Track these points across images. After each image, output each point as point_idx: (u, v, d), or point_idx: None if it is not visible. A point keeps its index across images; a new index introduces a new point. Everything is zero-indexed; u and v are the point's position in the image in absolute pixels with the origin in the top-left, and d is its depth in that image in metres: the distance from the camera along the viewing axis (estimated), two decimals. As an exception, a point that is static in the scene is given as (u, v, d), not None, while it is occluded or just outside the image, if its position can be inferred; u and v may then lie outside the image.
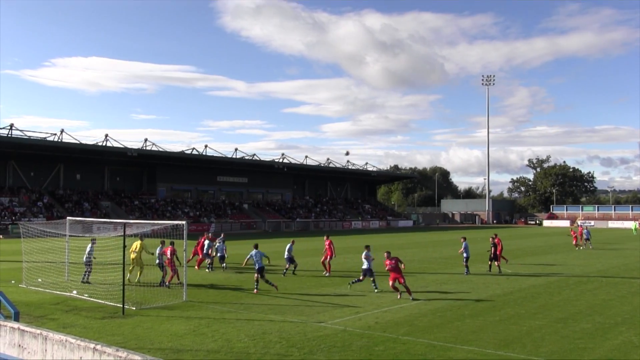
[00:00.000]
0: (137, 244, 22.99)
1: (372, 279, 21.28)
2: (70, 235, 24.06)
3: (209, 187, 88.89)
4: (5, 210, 60.91)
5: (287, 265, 26.62)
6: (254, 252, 21.60)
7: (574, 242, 46.85)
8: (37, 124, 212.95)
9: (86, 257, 23.12)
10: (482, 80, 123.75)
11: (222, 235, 30.23)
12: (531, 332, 14.52)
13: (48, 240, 24.72)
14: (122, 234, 18.28)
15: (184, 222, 19.85)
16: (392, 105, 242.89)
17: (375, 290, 20.88)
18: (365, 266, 21.31)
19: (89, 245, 23.39)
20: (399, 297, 19.49)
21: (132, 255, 22.64)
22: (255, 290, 20.82)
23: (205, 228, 70.93)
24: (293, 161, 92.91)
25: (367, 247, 21.94)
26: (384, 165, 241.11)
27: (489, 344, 13.13)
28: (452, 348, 12.78)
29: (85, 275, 22.91)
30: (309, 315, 16.45)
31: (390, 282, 19.72)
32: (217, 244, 28.44)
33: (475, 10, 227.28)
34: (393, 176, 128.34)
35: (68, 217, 24.57)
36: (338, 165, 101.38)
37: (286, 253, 26.76)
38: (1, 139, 60.53)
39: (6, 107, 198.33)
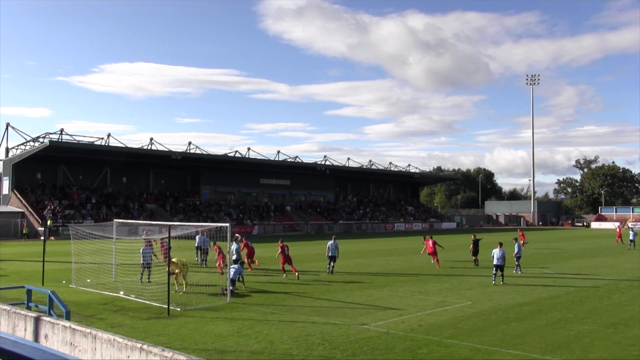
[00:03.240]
0: (179, 260, 23.16)
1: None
2: (117, 238, 24.60)
3: (252, 189, 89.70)
4: (56, 212, 62.62)
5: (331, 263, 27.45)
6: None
7: (616, 240, 46.91)
8: (85, 128, 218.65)
9: (143, 258, 23.58)
10: (527, 79, 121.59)
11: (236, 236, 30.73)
12: (580, 337, 14.11)
13: (96, 242, 25.32)
14: (167, 235, 18.58)
15: (227, 225, 20.03)
16: (436, 106, 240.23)
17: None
18: (496, 262, 23.89)
19: (144, 247, 23.85)
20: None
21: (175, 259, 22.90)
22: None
23: (249, 230, 71.68)
24: (335, 163, 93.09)
25: (500, 244, 24.56)
26: (427, 166, 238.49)
27: (535, 349, 12.83)
28: (497, 352, 12.54)
29: (148, 275, 23.46)
30: (352, 318, 16.40)
31: None
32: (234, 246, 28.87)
33: (521, 9, 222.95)
34: (436, 178, 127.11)
35: (115, 220, 25.11)
36: (381, 167, 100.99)
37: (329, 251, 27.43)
38: (52, 144, 62.43)
39: (57, 113, 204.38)
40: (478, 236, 33.01)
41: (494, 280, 23.84)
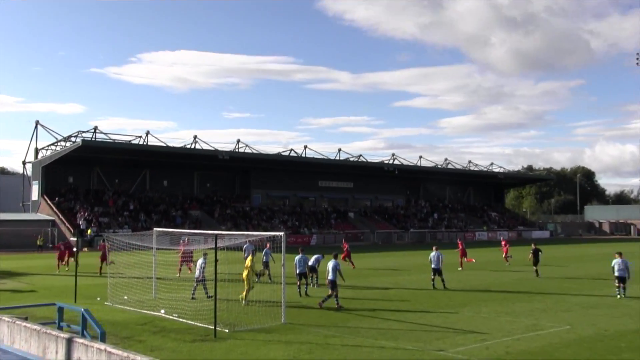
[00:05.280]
0: (248, 260, 23.46)
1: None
2: (157, 249, 25.08)
3: (310, 193, 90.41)
4: (89, 220, 64.52)
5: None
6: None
7: None
8: (121, 126, 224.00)
9: (199, 273, 24.11)
10: (638, 58, 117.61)
11: (267, 245, 31.33)
12: None
13: (134, 254, 25.88)
14: (214, 246, 18.78)
15: (281, 234, 20.10)
16: (523, 94, 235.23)
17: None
18: (618, 273, 24.85)
19: (201, 259, 24.33)
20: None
21: (245, 273, 23.19)
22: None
23: (306, 240, 72.08)
24: (405, 162, 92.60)
25: (619, 253, 25.24)
26: (514, 165, 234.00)
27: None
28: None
29: (205, 290, 24.01)
30: (426, 342, 16.20)
31: None
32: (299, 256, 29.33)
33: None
34: (524, 178, 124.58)
35: (155, 229, 25.58)
36: (458, 167, 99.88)
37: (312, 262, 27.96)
38: (85, 144, 64.17)
39: (91, 109, 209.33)
40: (538, 246, 35.21)
41: (618, 293, 24.98)
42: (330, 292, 22.55)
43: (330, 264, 23.03)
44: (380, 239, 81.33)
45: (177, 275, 31.02)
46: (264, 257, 30.40)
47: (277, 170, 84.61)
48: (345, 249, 39.10)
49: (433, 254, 28.85)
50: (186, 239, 31.96)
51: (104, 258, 32.92)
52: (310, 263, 27.39)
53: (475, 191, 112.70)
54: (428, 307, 22.55)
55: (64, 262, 37.08)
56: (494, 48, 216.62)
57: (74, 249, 32.47)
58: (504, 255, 42.51)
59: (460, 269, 37.86)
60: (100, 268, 33.57)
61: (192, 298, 23.49)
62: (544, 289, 27.81)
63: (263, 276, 29.23)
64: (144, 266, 25.61)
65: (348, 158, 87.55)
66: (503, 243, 44.12)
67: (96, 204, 70.24)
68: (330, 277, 22.73)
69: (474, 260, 41.79)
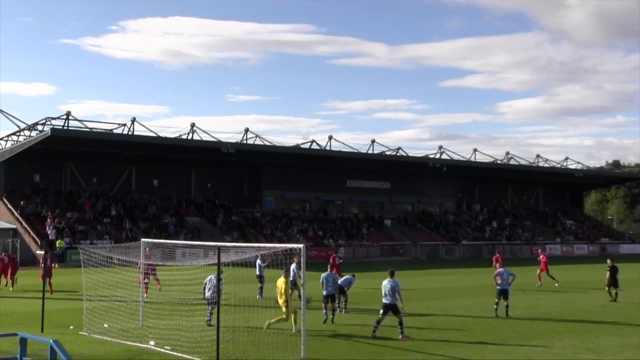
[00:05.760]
0: (282, 282, 23.45)
1: None
2: (147, 264, 25.13)
3: (336, 195, 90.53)
4: (61, 229, 64.84)
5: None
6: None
7: None
8: (101, 111, 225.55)
9: (210, 293, 24.26)
10: None
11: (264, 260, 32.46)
12: None
13: (117, 271, 25.97)
14: (216, 261, 18.74)
15: (301, 246, 20.04)
16: (609, 70, 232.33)
17: None
18: None
19: (212, 276, 24.37)
20: None
21: (281, 300, 23.23)
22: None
23: (330, 254, 71.85)
24: (456, 157, 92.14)
25: None
26: (595, 160, 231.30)
27: None
28: None
29: (209, 315, 24.28)
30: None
31: None
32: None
33: None
34: (610, 177, 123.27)
35: (143, 240, 25.61)
36: (523, 162, 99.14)
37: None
38: (55, 133, 63.76)
39: (63, 90, 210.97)
40: (615, 263, 35.76)
41: None
42: (380, 317, 22.75)
43: (388, 284, 22.93)
44: (424, 253, 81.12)
45: (145, 295, 31.66)
46: (292, 277, 30.45)
47: (295, 167, 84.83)
48: (333, 262, 35.98)
49: (501, 270, 28.79)
50: (147, 249, 32.16)
51: (47, 275, 33.01)
52: (339, 282, 27.43)
53: (546, 193, 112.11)
54: (486, 339, 22.46)
55: (7, 280, 37.65)
56: (572, 11, 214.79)
57: (17, 262, 32.86)
58: (538, 272, 42.94)
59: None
60: (50, 285, 34.07)
61: (209, 325, 23.61)
62: (637, 320, 27.49)
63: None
64: (129, 287, 25.67)
65: (384, 152, 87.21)
66: (542, 257, 43.71)
67: (69, 208, 70.67)
68: (388, 299, 22.76)
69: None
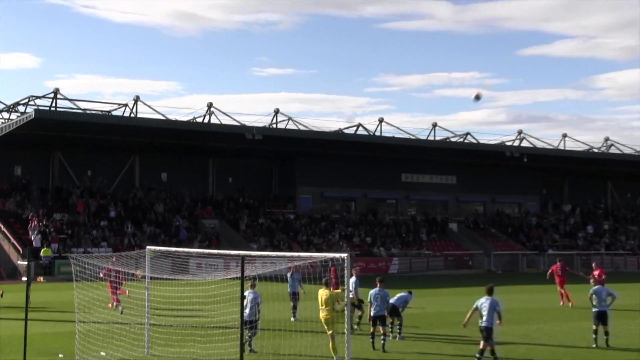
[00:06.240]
0: (323, 294, 23.55)
1: None
2: (153, 278, 25.26)
3: (388, 192, 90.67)
4: (48, 234, 65.30)
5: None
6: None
7: None
8: (96, 88, 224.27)
9: (250, 312, 24.62)
10: None
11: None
12: None
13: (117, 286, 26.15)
14: (239, 274, 18.81)
15: (344, 255, 20.07)
16: None
17: None
18: None
19: (249, 292, 24.71)
20: None
21: (323, 314, 23.36)
22: None
23: (382, 267, 71.84)
24: (540, 144, 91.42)
25: None
26: None
27: None
28: None
29: (250, 338, 24.70)
30: None
31: None
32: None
33: None
34: None
35: (149, 247, 25.74)
36: (627, 151, 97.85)
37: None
38: (40, 116, 63.76)
39: (50, 62, 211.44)
40: None
41: None
42: (483, 345, 22.62)
43: (486, 302, 22.77)
44: (499, 264, 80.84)
45: (112, 306, 32.25)
46: (352, 291, 30.39)
47: (337, 157, 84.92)
48: (333, 276, 37.32)
49: (598, 288, 28.43)
50: (114, 258, 32.44)
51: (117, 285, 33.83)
52: (391, 302, 27.42)
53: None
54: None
55: None
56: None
57: None
58: (591, 277, 40.16)
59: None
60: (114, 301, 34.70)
61: (251, 350, 24.02)
62: None
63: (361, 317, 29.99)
64: (132, 305, 25.84)
65: (448, 138, 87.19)
66: (597, 273, 39.78)
67: (58, 208, 71.40)
68: (485, 322, 22.66)
69: None
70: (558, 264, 44.27)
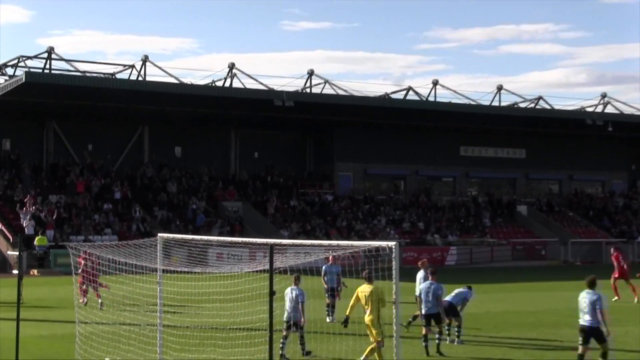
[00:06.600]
0: (365, 290, 23.50)
1: None
2: (166, 271, 25.37)
3: (444, 169, 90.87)
4: (43, 219, 65.44)
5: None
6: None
7: None
8: (98, 46, 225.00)
9: (290, 309, 24.84)
10: None
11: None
12: None
13: (122, 280, 26.27)
14: (267, 266, 18.84)
15: (392, 244, 20.07)
16: None
17: None
18: None
19: (292, 288, 24.96)
20: None
21: (368, 318, 23.30)
22: None
23: (438, 256, 71.67)
24: (628, 110, 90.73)
25: None
26: None
27: None
28: None
29: (300, 343, 25.10)
30: None
31: None
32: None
33: None
34: None
35: (160, 234, 25.84)
36: None
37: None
38: (32, 79, 64.07)
39: (42, 16, 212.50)
40: None
41: None
42: (580, 350, 22.32)
43: (587, 297, 22.39)
44: (579, 254, 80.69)
45: (82, 301, 32.46)
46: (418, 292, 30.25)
47: (382, 127, 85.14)
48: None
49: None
50: (82, 251, 32.80)
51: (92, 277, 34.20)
52: (448, 299, 27.37)
53: None
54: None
55: None
56: None
57: None
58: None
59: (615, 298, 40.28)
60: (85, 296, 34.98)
61: (282, 356, 24.29)
62: None
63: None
64: (140, 303, 25.92)
65: (516, 104, 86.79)
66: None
67: (53, 189, 71.85)
68: (587, 321, 22.28)
69: None
70: (616, 251, 43.98)
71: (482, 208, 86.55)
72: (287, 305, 24.76)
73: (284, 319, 24.70)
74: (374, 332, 22.79)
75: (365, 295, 23.03)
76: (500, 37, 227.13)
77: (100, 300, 33.40)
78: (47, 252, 61.03)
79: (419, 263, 31.03)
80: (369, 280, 23.61)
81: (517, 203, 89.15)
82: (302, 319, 24.62)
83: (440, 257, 72.80)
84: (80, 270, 32.16)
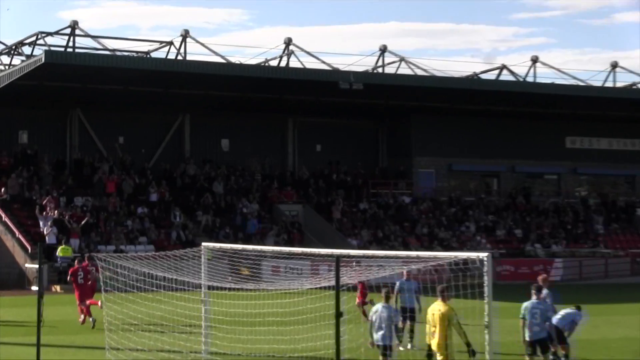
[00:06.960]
0: (437, 310, 23.30)
1: None
2: (212, 288, 25.30)
3: (547, 165, 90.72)
4: (64, 224, 65.74)
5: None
6: None
7: None
8: (129, 20, 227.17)
9: (384, 334, 24.48)
10: None
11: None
12: None
13: (160, 297, 26.29)
14: (333, 282, 18.73)
15: (484, 255, 19.93)
16: None
17: None
18: None
19: (380, 305, 24.64)
20: None
21: (434, 341, 23.07)
22: None
23: (538, 271, 71.28)
24: None
25: None
26: None
27: None
28: None
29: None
30: None
31: None
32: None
33: None
34: None
35: (204, 244, 25.80)
36: None
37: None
38: (51, 59, 63.61)
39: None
40: None
41: None
42: None
43: None
44: None
45: (80, 319, 32.67)
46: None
47: (470, 114, 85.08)
48: (362, 290, 37.30)
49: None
50: (86, 255, 32.69)
51: (87, 292, 34.19)
52: (554, 322, 27.02)
53: None
54: None
55: None
56: None
57: None
58: None
59: None
60: (84, 314, 34.94)
61: None
62: None
63: None
64: (183, 326, 25.95)
65: (635, 84, 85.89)
66: None
67: (79, 189, 72.33)
68: None
69: None
70: None
71: (594, 211, 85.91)
72: (377, 326, 24.29)
73: (379, 343, 24.35)
74: (441, 357, 22.45)
75: (433, 315, 22.66)
76: (614, 3, 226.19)
77: (84, 317, 33.72)
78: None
79: (539, 278, 30.43)
80: (443, 298, 23.19)
81: (637, 205, 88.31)
82: (397, 342, 24.51)
83: (543, 270, 72.01)
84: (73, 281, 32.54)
